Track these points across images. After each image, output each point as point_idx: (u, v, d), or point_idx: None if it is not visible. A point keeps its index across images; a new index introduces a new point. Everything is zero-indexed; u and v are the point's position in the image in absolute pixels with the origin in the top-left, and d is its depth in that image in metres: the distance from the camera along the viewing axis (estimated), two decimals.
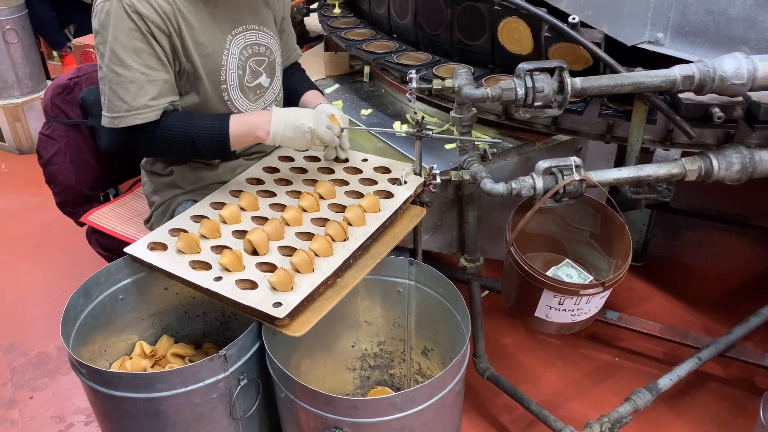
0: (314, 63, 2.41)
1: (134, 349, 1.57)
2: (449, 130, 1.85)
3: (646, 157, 1.91)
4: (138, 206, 1.96)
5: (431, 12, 1.89)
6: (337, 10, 2.40)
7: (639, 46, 1.95)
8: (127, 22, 1.35)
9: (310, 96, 1.77)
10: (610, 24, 1.88)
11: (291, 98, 1.79)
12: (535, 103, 1.35)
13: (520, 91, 1.34)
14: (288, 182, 1.62)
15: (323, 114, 1.53)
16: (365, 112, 2.05)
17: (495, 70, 1.81)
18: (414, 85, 1.43)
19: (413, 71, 1.44)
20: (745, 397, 1.96)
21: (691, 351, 1.82)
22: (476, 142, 1.59)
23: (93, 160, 1.96)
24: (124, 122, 1.41)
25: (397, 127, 1.90)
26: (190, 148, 1.46)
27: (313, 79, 2.30)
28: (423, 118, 1.56)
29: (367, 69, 2.28)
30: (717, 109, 1.42)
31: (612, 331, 2.17)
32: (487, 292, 2.27)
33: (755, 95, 1.45)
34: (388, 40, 2.09)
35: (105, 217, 1.90)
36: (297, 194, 1.56)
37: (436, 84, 1.43)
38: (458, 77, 1.47)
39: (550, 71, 1.36)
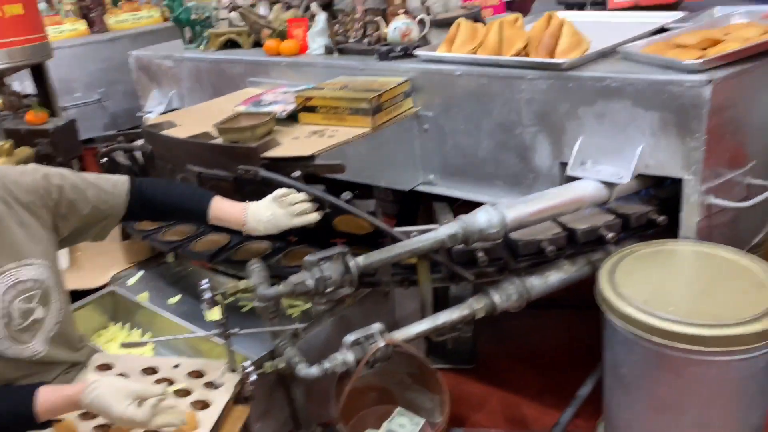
0: (113, 252, 2.33)
1: None
2: None
3: None
4: None
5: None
6: None
7: (416, 189, 2.18)
8: None
9: (223, 206, 1.62)
10: (387, 178, 2.09)
11: (195, 209, 1.62)
12: (327, 290, 1.43)
13: (311, 283, 1.42)
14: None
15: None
16: (173, 300, 2.01)
17: (292, 243, 1.89)
18: (208, 295, 1.44)
19: (206, 282, 1.45)
20: None
21: None
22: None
23: None
24: None
25: (208, 315, 1.88)
26: None
27: (114, 271, 2.24)
28: (226, 317, 1.57)
29: None
30: (481, 254, 1.61)
31: None
32: None
33: (516, 234, 1.67)
34: (183, 224, 2.09)
35: None
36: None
37: (231, 288, 1.46)
38: (253, 275, 1.51)
39: (334, 258, 1.45)
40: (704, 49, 1.64)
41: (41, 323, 1.49)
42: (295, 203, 1.58)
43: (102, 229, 1.55)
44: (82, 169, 3.58)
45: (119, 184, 1.56)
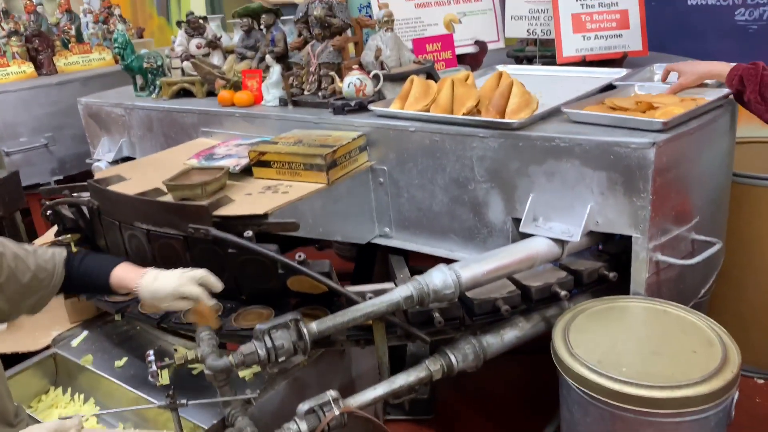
0: (55, 310, 2.22)
1: None
2: None
3: None
4: None
5: (169, 255, 1.88)
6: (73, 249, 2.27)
7: (373, 241, 2.17)
8: None
9: (122, 275, 1.56)
10: (342, 232, 2.07)
11: (97, 283, 1.57)
12: (279, 359, 1.39)
13: (262, 353, 1.37)
14: None
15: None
16: (119, 363, 1.92)
17: (245, 301, 1.84)
18: (154, 368, 1.38)
19: (151, 352, 1.40)
20: None
21: None
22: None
23: None
24: None
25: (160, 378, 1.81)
26: None
27: (57, 332, 2.14)
28: (173, 389, 1.50)
29: None
30: (437, 314, 1.60)
31: None
32: None
33: (471, 293, 1.67)
34: None
35: None
36: None
37: (178, 359, 1.40)
38: (201, 343, 1.46)
39: (286, 325, 1.42)
40: (643, 112, 1.70)
41: None
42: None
43: (38, 300, 1.48)
44: (28, 218, 3.46)
45: (56, 255, 1.52)
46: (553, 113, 1.86)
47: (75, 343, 2.06)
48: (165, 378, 1.82)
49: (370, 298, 1.58)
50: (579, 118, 1.75)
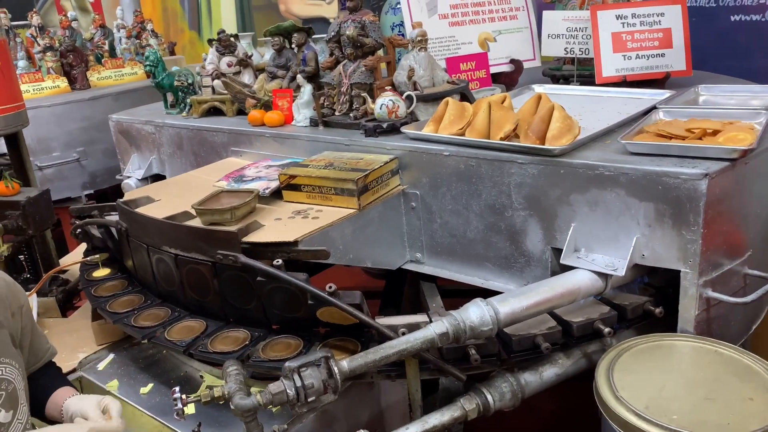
0: (82, 331, 2.20)
1: None
2: None
3: None
4: None
5: (197, 281, 1.84)
6: (102, 272, 2.25)
7: (404, 267, 2.10)
8: None
9: (58, 395, 1.59)
10: (373, 258, 2.01)
11: (35, 405, 1.59)
12: (309, 399, 1.33)
13: (291, 393, 1.32)
14: None
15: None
16: (144, 390, 1.89)
17: (273, 330, 1.79)
18: (179, 406, 1.33)
19: (177, 390, 1.35)
20: None
21: None
22: None
23: None
24: None
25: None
26: None
27: (83, 353, 2.12)
28: (200, 425, 1.46)
29: None
30: (473, 351, 1.53)
31: None
32: None
33: (509, 328, 1.59)
34: (159, 307, 1.98)
35: None
36: None
37: (205, 397, 1.35)
38: (229, 380, 1.41)
39: (316, 363, 1.36)
40: (699, 138, 1.61)
41: (6, 427, 1.42)
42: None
43: None
44: (58, 228, 3.47)
45: (51, 351, 1.69)
46: (596, 139, 1.78)
47: (101, 366, 2.03)
48: (191, 408, 1.79)
49: (403, 333, 1.51)
50: (637, 149, 1.64)
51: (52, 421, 1.58)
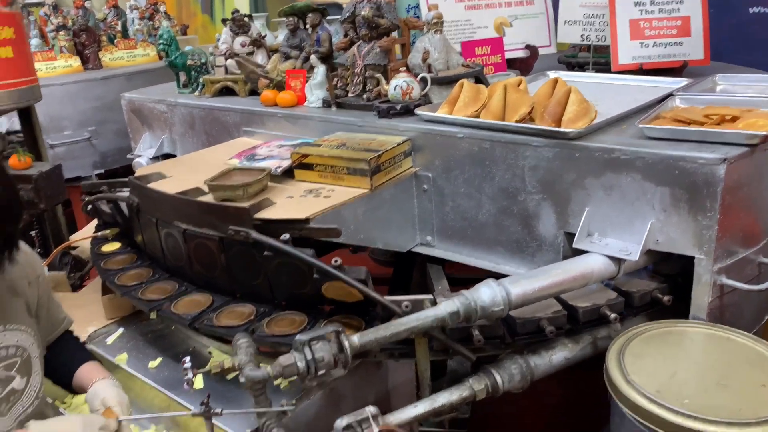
0: (92, 305, 2.21)
1: None
2: None
3: None
4: None
5: (204, 255, 1.84)
6: (112, 246, 2.26)
7: (414, 250, 2.09)
8: None
9: (85, 371, 1.59)
10: (384, 239, 2.00)
11: (62, 377, 1.60)
12: (319, 372, 1.33)
13: (301, 365, 1.32)
14: None
15: (94, 419, 1.36)
16: (153, 364, 1.89)
17: (279, 306, 1.79)
18: (189, 375, 1.33)
19: (187, 359, 1.35)
20: None
21: None
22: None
23: None
24: None
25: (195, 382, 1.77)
26: None
27: (93, 327, 2.12)
28: (208, 397, 1.45)
29: None
30: (476, 332, 1.52)
31: None
32: None
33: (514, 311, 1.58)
34: (166, 281, 1.98)
35: None
36: None
37: (214, 367, 1.36)
38: (239, 351, 1.41)
39: (327, 337, 1.36)
40: (718, 124, 1.59)
41: (19, 395, 1.41)
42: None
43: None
44: (69, 208, 3.48)
45: (67, 321, 1.71)
46: (613, 123, 1.76)
47: (110, 340, 2.03)
48: (199, 383, 1.79)
49: (407, 307, 1.51)
50: (655, 134, 1.63)
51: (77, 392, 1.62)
